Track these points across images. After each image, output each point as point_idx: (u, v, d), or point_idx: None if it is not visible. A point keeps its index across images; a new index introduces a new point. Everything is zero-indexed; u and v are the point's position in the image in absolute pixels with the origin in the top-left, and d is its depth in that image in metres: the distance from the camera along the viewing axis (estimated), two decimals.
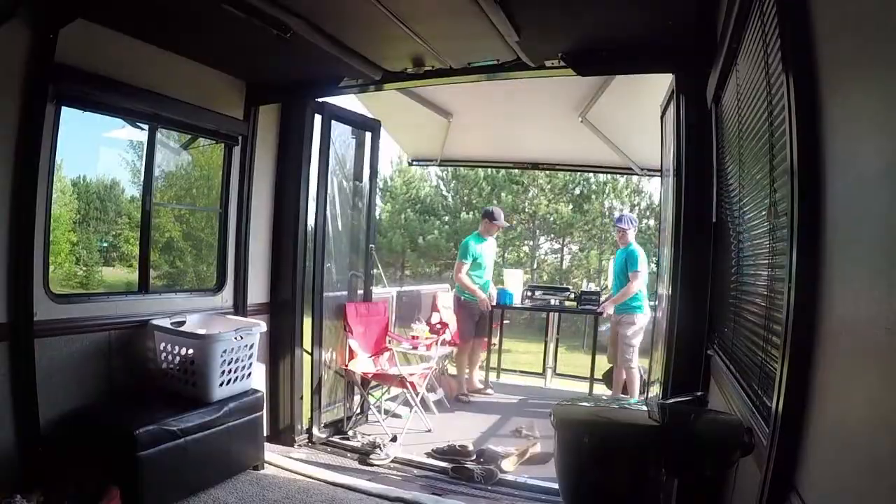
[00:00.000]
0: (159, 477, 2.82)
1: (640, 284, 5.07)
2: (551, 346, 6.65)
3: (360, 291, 4.71)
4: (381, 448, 3.94)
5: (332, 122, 4.23)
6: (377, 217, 11.73)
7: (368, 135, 4.68)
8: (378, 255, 5.08)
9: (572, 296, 5.92)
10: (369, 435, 4.22)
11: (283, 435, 4.09)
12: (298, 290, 4.12)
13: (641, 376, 4.99)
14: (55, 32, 2.70)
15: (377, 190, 5.59)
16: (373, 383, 4.67)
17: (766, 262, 1.78)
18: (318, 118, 4.14)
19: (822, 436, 1.20)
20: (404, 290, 6.39)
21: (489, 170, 18.61)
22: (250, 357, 3.40)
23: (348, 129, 4.55)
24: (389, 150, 20.13)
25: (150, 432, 2.79)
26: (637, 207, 19.59)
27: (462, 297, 5.51)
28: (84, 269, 16.00)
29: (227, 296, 3.93)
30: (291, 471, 3.55)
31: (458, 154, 6.33)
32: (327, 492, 3.27)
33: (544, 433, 4.18)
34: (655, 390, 3.55)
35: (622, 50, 3.08)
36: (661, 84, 3.46)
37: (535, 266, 20.31)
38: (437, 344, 5.13)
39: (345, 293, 4.61)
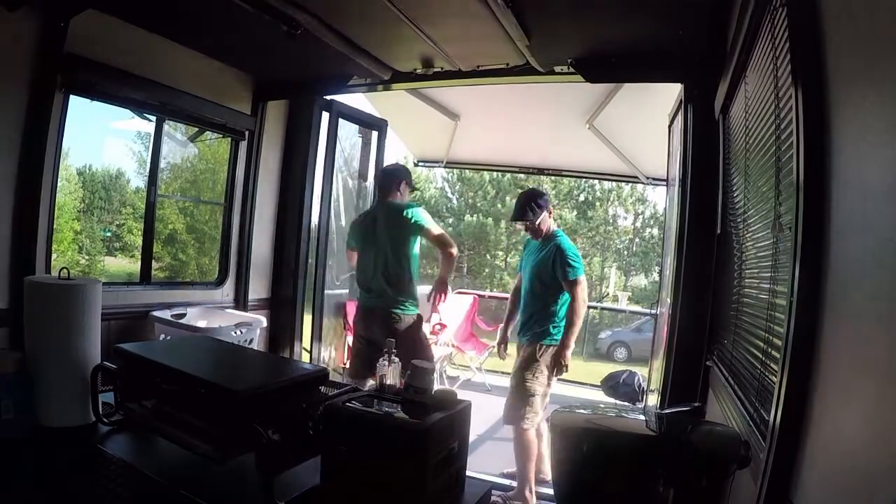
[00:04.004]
0: None
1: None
2: None
3: None
4: None
5: (340, 120, 4.24)
6: None
7: (375, 134, 4.68)
8: None
9: None
10: None
11: None
12: (300, 287, 4.12)
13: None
14: (66, 21, 2.71)
15: None
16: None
17: (769, 275, 1.78)
18: (325, 116, 4.15)
19: (818, 451, 1.20)
20: None
21: (494, 173, 18.64)
22: None
23: (355, 127, 4.56)
24: (396, 150, 20.22)
25: None
26: (641, 216, 19.60)
27: None
28: (87, 257, 16.04)
29: (228, 290, 3.93)
30: None
31: (465, 156, 6.32)
32: None
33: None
34: (653, 399, 3.54)
35: (632, 58, 3.08)
36: (668, 93, 3.45)
37: None
38: (435, 345, 5.13)
39: (346, 291, 4.60)
